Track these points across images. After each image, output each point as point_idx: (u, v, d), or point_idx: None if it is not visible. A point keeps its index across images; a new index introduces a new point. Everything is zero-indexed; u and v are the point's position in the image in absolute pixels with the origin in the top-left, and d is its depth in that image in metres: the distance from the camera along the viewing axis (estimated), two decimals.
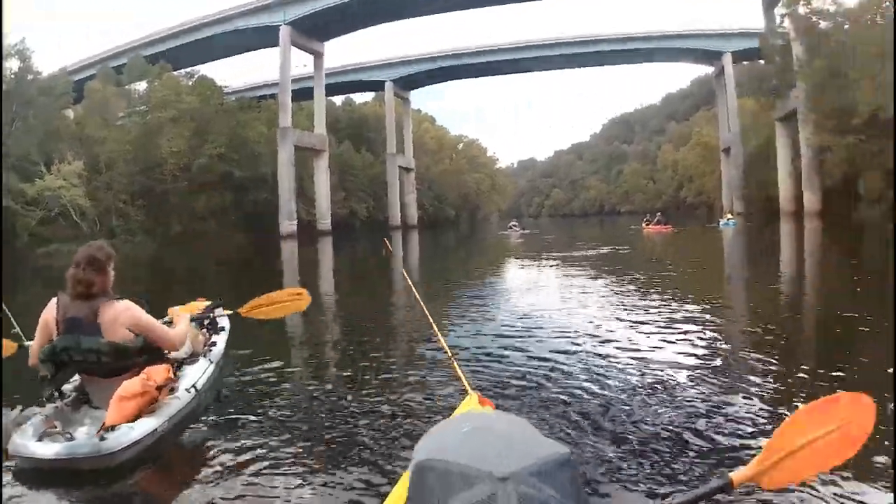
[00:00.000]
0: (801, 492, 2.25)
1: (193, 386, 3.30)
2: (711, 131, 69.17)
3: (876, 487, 2.31)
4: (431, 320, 3.14)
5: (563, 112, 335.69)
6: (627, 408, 3.36)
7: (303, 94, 53.04)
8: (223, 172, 42.23)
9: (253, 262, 21.93)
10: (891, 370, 3.68)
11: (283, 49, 46.84)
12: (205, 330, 4.39)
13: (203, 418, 3.40)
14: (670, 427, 3.04)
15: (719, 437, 2.91)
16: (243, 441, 3.02)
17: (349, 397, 3.78)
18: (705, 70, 74.01)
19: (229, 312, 4.57)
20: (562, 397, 3.59)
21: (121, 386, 2.88)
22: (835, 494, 2.26)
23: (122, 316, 3.03)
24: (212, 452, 2.90)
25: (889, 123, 25.48)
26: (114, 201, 38.33)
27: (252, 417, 3.41)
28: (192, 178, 41.03)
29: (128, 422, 2.76)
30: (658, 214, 32.70)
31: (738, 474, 1.15)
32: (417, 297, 3.52)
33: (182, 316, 3.88)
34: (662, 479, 2.48)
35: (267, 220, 44.10)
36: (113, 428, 2.69)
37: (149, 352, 3.14)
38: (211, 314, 4.58)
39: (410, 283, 4.34)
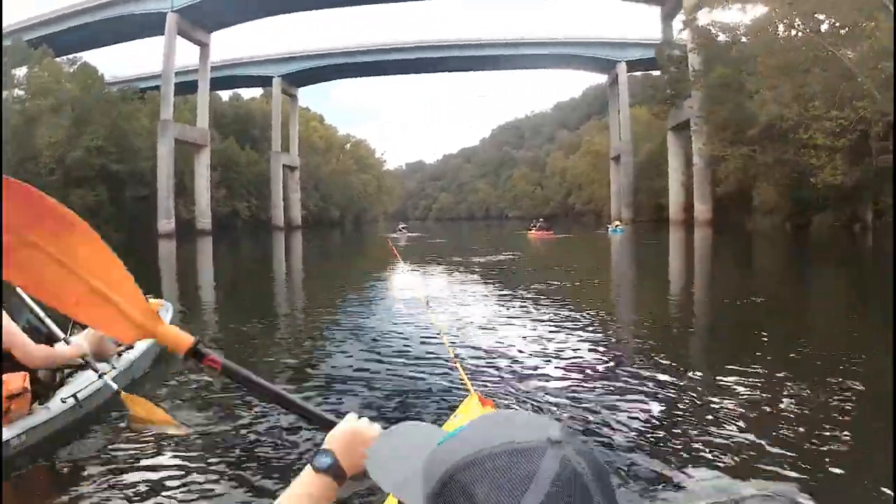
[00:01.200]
0: (802, 492, 2.33)
1: (74, 396, 3.15)
2: (602, 140, 71.19)
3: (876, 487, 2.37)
4: (436, 322, 3.87)
5: (454, 116, 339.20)
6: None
7: (189, 88, 50.48)
8: (100, 166, 39.70)
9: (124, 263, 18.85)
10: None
11: (168, 37, 44.44)
12: None
13: (93, 431, 3.18)
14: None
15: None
16: (142, 457, 2.86)
17: (336, 398, 3.81)
18: (597, 80, 76.43)
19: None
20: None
21: None
22: (835, 494, 2.35)
23: None
24: (89, 470, 2.73)
25: (782, 136, 25.89)
26: None
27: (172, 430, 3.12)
28: (67, 171, 38.43)
29: None
30: (541, 220, 33.77)
31: None
32: (421, 299, 4.51)
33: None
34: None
35: (145, 219, 41.85)
36: None
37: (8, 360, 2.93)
38: None
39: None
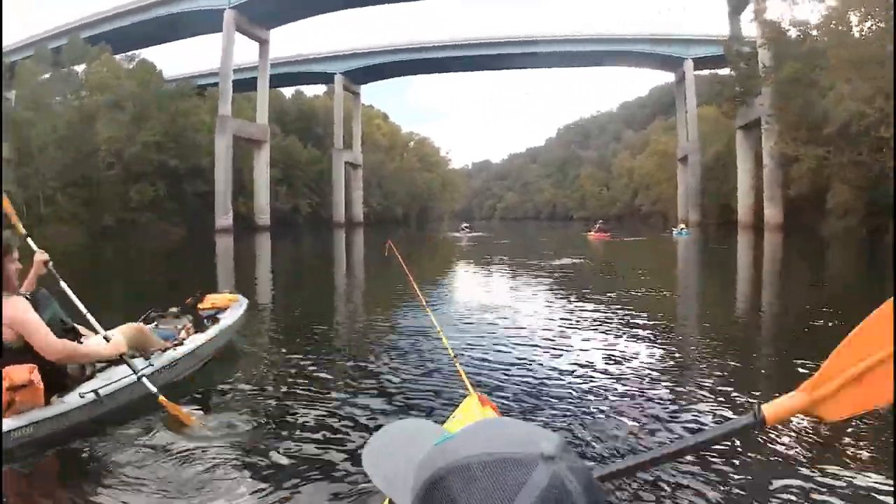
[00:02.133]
0: (803, 492, 2.37)
1: (95, 391, 3.11)
2: (669, 140, 68.92)
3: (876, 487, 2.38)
4: (434, 321, 3.43)
5: (520, 116, 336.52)
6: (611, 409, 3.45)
7: (251, 85, 50.97)
8: (158, 162, 40.22)
9: (177, 257, 20.61)
10: None
11: (226, 33, 44.71)
12: (187, 328, 4.32)
13: (113, 427, 3.08)
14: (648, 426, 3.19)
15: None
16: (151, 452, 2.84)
17: (337, 398, 3.77)
18: (664, 79, 74.10)
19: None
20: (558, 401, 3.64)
21: None
22: (835, 494, 2.35)
23: (6, 313, 2.90)
24: (96, 466, 2.71)
25: (861, 134, 24.32)
26: (42, 188, 36.22)
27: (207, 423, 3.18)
28: (127, 167, 39.06)
29: None
30: (600, 222, 34.09)
31: (772, 408, 0.92)
32: (422, 300, 3.89)
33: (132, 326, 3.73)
34: None
35: (204, 214, 42.14)
36: None
37: (30, 353, 2.93)
38: (191, 310, 4.56)
39: (415, 285, 4.22)
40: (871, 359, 0.89)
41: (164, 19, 47.22)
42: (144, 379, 3.30)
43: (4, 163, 32.09)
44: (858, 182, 25.28)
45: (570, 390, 3.89)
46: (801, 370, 4.24)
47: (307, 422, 3.32)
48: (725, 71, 42.88)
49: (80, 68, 43.44)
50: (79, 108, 39.59)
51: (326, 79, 62.59)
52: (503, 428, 0.52)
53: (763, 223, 36.23)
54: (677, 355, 5.09)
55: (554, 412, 3.45)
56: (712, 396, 3.75)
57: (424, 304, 3.67)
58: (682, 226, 35.71)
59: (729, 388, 3.93)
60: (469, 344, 5.28)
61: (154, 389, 3.25)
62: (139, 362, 3.46)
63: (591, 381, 4.12)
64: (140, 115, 40.26)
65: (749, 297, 9.91)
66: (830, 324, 6.37)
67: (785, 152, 30.16)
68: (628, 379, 4.19)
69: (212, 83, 49.97)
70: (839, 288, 10.89)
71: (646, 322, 6.61)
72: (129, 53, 48.52)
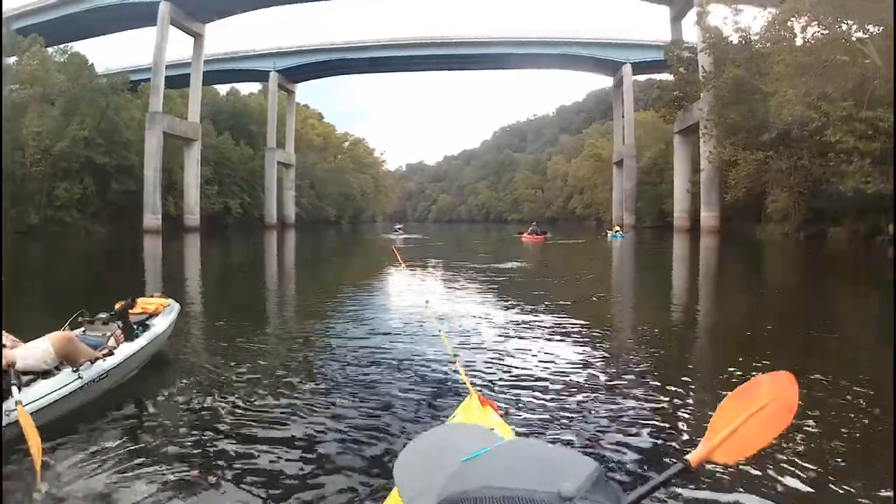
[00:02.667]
0: (803, 493, 2.46)
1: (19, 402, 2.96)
2: (605, 144, 69.90)
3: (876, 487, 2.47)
4: (437, 323, 3.93)
5: (455, 118, 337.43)
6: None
7: (185, 82, 49.20)
8: (86, 158, 38.71)
9: (104, 259, 19.71)
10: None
11: (160, 27, 43.22)
12: (116, 335, 4.14)
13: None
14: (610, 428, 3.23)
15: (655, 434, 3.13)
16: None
17: (326, 401, 3.76)
18: (601, 85, 75.18)
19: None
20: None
21: None
22: (836, 494, 2.43)
23: None
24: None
25: (801, 140, 24.51)
26: None
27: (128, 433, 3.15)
28: (54, 162, 37.27)
29: None
30: (534, 224, 34.15)
31: (693, 455, 1.19)
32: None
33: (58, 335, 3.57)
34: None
35: (132, 213, 40.93)
36: None
37: None
38: (122, 316, 4.29)
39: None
40: (740, 419, 1.20)
41: (98, 11, 45.39)
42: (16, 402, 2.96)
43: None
44: (798, 187, 25.55)
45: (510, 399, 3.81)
46: (734, 377, 4.25)
47: (257, 433, 3.20)
48: (664, 76, 43.40)
49: (11, 60, 40.82)
50: (10, 101, 37.19)
51: (261, 76, 60.93)
52: (531, 457, 0.51)
53: (699, 227, 36.60)
54: (611, 359, 5.02)
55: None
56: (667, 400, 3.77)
57: (425, 304, 4.36)
58: (617, 228, 35.71)
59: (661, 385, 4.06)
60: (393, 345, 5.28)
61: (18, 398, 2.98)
62: (66, 374, 3.36)
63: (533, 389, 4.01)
64: (69, 110, 38.52)
65: (689, 301, 9.92)
66: (766, 328, 6.61)
67: (724, 157, 30.31)
68: (578, 383, 4.20)
69: (146, 79, 47.72)
70: (773, 292, 11.02)
71: (582, 327, 6.51)
72: (62, 46, 45.70)
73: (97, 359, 3.66)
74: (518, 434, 2.66)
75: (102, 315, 4.35)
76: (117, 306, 4.39)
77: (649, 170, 51.79)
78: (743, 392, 1.27)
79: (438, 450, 0.62)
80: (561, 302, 8.24)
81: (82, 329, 4.23)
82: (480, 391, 2.70)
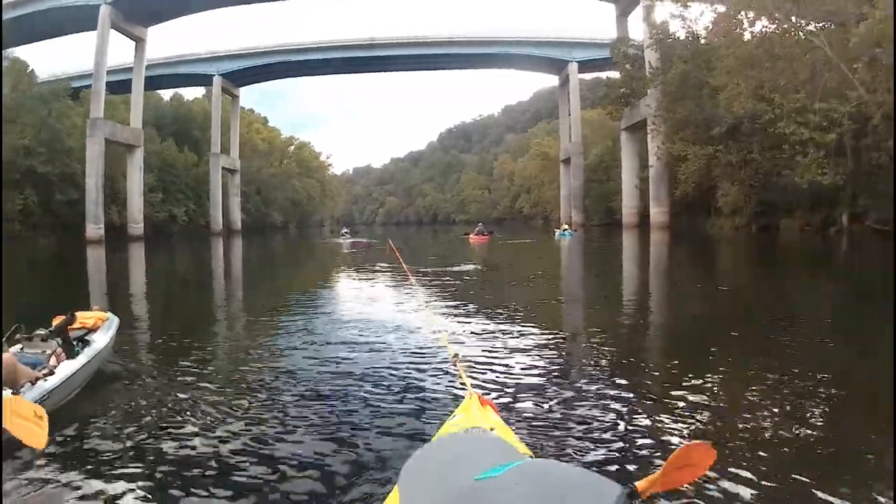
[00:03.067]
0: (805, 492, 2.42)
1: None
2: (551, 142, 70.12)
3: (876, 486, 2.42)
4: (435, 322, 4.12)
5: (402, 120, 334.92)
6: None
7: (128, 87, 47.32)
8: (27, 168, 37.54)
9: (45, 271, 18.47)
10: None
11: (101, 30, 41.34)
12: (57, 353, 3.96)
13: None
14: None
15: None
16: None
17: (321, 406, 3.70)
18: (546, 83, 75.52)
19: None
20: None
21: None
22: (836, 494, 2.37)
23: None
24: None
25: (752, 133, 24.51)
26: None
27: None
28: None
29: None
30: (479, 225, 34.43)
31: (641, 483, 1.35)
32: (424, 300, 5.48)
33: None
34: None
35: (74, 224, 39.58)
36: None
37: None
38: (62, 332, 4.01)
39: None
40: (671, 468, 1.41)
41: (38, 15, 43.38)
42: None
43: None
44: (749, 180, 25.58)
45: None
46: (687, 378, 4.16)
47: (220, 449, 3.03)
48: (611, 74, 43.50)
49: None
50: None
51: (204, 81, 59.22)
52: (549, 485, 0.48)
53: (648, 223, 36.66)
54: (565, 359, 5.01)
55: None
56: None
57: (425, 305, 5.16)
58: (566, 227, 35.42)
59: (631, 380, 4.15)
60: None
61: None
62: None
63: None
64: (10, 118, 36.91)
65: (643, 299, 9.64)
66: (722, 322, 6.76)
67: (673, 152, 30.23)
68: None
69: (87, 85, 45.25)
70: (727, 286, 10.86)
71: (541, 331, 6.20)
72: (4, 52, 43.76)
73: (38, 379, 3.47)
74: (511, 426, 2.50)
75: (41, 331, 4.10)
76: (56, 322, 4.09)
77: (596, 167, 52.01)
78: (678, 456, 1.45)
79: (451, 460, 0.59)
80: (513, 305, 7.95)
81: (20, 346, 4.00)
82: (479, 391, 2.70)
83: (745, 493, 2.42)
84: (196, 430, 3.25)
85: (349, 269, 15.16)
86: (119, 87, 46.68)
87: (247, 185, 65.97)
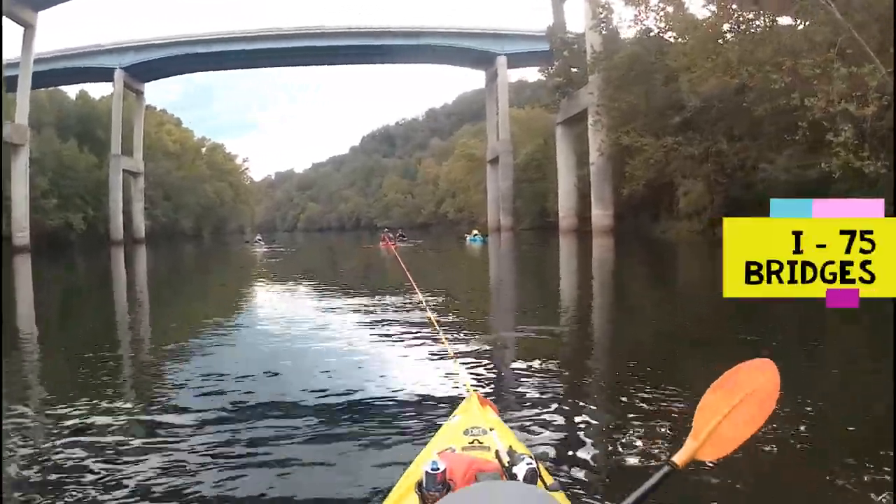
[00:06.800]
0: (804, 493, 2.43)
1: None
2: (477, 143, 66.61)
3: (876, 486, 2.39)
4: (434, 321, 4.00)
5: (323, 124, 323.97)
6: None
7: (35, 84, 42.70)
8: None
9: None
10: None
11: None
12: None
13: None
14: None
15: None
16: None
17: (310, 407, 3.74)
18: (471, 86, 72.20)
19: None
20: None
21: None
22: (836, 494, 2.36)
23: None
24: None
25: (718, 120, 20.84)
26: None
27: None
28: None
29: None
30: (385, 230, 34.37)
31: (679, 456, 1.22)
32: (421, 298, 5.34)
33: None
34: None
35: None
36: None
37: None
38: None
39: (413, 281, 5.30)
40: (722, 413, 1.22)
41: None
42: None
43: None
44: (714, 175, 21.90)
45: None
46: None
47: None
48: (535, 75, 39.94)
49: None
50: None
51: (106, 75, 53.12)
52: None
53: (587, 227, 32.94)
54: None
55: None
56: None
57: (425, 305, 5.48)
58: (476, 232, 32.44)
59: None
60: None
61: None
62: None
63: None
64: None
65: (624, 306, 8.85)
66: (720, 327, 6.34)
67: (622, 144, 26.33)
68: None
69: None
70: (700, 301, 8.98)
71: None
72: None
73: None
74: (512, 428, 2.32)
75: None
76: None
77: (527, 166, 48.50)
78: (722, 384, 1.25)
79: None
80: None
81: None
82: (479, 391, 2.59)
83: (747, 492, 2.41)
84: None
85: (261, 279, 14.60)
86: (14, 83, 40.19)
87: (154, 189, 60.73)
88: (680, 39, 22.35)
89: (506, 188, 48.01)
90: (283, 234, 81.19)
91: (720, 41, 19.31)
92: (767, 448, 2.78)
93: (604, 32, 28.82)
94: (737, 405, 1.20)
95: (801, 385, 3.66)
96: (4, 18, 36.27)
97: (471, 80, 49.97)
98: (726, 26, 19.92)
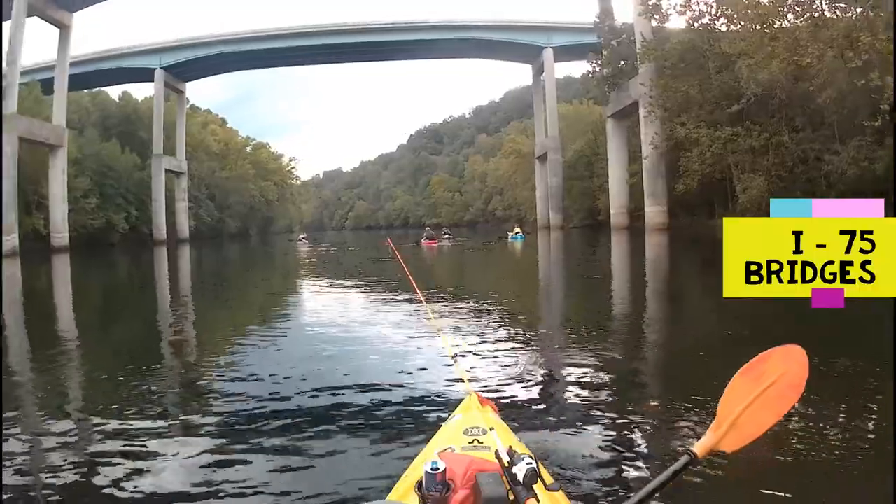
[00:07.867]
0: (804, 492, 2.36)
1: None
2: (525, 139, 65.87)
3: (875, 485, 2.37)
4: (434, 321, 4.12)
5: (371, 123, 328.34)
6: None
7: (73, 84, 42.94)
8: None
9: None
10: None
11: (16, 14, 35.38)
12: None
13: None
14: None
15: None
16: None
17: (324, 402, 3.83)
18: (518, 83, 71.52)
19: None
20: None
21: None
22: (836, 493, 2.37)
23: None
24: None
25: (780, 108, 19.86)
26: None
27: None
28: None
29: None
30: (427, 229, 34.18)
31: (699, 446, 1.20)
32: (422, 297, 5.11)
33: None
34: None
35: None
36: None
37: None
38: None
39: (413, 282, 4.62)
40: (746, 400, 1.20)
41: None
42: None
43: None
44: (775, 169, 20.89)
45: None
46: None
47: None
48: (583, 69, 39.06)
49: None
50: None
51: (146, 75, 53.66)
52: None
53: (640, 224, 32.10)
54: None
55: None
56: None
57: (425, 304, 5.57)
58: (517, 229, 32.57)
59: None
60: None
61: None
62: None
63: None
64: None
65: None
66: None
67: (678, 136, 25.42)
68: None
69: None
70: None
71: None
72: None
73: None
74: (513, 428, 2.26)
75: None
76: None
77: (576, 163, 47.53)
78: (751, 369, 1.22)
79: None
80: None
81: None
82: (479, 391, 2.72)
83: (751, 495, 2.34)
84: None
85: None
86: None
87: (199, 189, 61.19)
88: (732, 26, 21.44)
89: (555, 185, 46.84)
90: (331, 233, 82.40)
91: (782, 22, 18.36)
92: (780, 440, 2.74)
93: (654, 18, 27.92)
94: (763, 391, 1.18)
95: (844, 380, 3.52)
96: (40, 20, 38.75)
97: (518, 77, 49.88)
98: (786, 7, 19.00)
